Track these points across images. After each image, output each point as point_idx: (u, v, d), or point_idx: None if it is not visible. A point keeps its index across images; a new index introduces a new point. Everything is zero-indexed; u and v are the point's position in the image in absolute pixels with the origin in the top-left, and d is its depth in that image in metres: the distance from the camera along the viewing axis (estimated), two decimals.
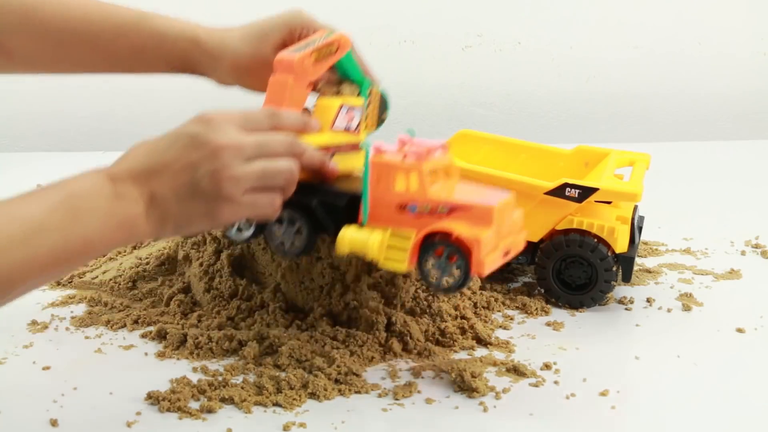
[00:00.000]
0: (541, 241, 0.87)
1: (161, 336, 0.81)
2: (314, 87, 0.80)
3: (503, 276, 0.94)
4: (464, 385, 0.71)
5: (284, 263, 0.83)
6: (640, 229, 0.93)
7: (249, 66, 0.81)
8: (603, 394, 0.71)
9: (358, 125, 0.78)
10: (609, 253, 0.85)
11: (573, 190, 0.84)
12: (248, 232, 0.76)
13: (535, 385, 0.73)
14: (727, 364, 0.76)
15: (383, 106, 0.85)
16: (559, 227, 0.86)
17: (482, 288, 0.89)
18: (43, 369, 0.76)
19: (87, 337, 0.83)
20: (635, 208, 0.90)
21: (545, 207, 0.86)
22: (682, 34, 1.73)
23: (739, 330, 0.82)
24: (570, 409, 0.69)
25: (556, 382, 0.73)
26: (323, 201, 0.73)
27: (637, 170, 0.90)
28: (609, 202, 0.87)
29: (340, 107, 0.77)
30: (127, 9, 0.83)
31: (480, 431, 0.67)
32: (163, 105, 1.72)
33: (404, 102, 1.74)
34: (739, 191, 1.26)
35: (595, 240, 0.85)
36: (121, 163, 0.66)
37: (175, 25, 0.82)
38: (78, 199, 0.63)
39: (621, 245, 0.85)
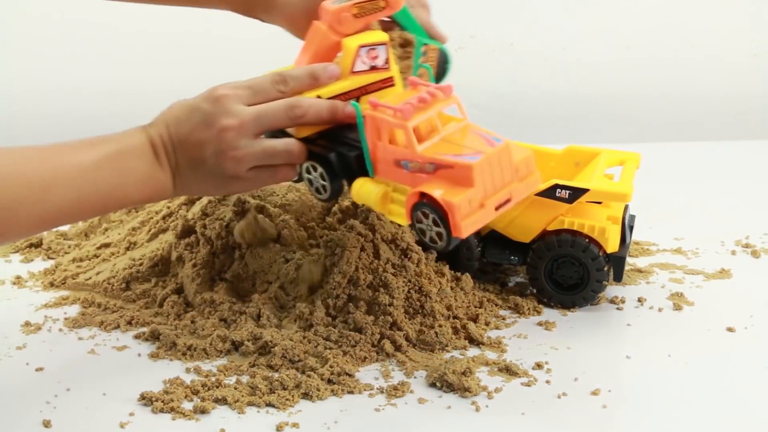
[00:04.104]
0: (533, 241, 0.88)
1: (154, 337, 0.82)
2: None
3: (495, 276, 0.94)
4: (456, 385, 0.72)
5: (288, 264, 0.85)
6: (631, 228, 0.94)
7: (302, 19, 0.83)
8: (594, 393, 0.72)
9: (386, 60, 0.78)
10: (600, 253, 0.85)
11: (563, 191, 0.85)
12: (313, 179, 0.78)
13: (527, 385, 0.73)
14: (718, 363, 0.77)
15: (442, 62, 0.85)
16: (551, 228, 0.86)
17: (475, 288, 0.89)
18: (37, 370, 0.76)
19: (80, 338, 0.83)
20: (626, 207, 0.90)
21: (536, 208, 0.86)
22: (673, 36, 1.74)
23: (730, 329, 0.83)
24: (562, 409, 0.70)
25: (547, 382, 0.74)
26: (339, 152, 0.75)
27: (627, 170, 0.91)
28: (600, 202, 0.88)
29: (358, 49, 0.77)
30: None
31: (472, 431, 0.67)
32: (155, 106, 1.72)
33: None
34: (730, 191, 1.26)
35: (587, 240, 0.85)
36: (157, 126, 0.74)
37: None
38: (125, 157, 0.71)
39: (612, 245, 0.85)
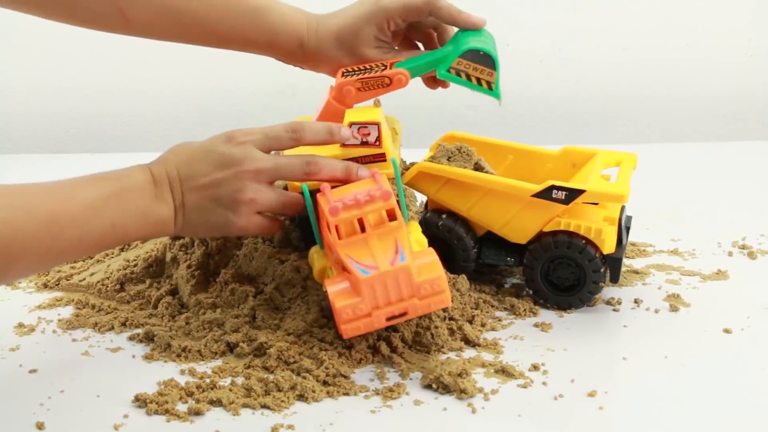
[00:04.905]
0: (530, 242, 0.88)
1: (149, 338, 0.81)
2: None
3: (492, 277, 0.94)
4: (452, 387, 0.71)
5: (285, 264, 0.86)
6: (628, 229, 0.94)
7: (339, 66, 0.88)
8: (591, 394, 0.71)
9: (377, 138, 0.81)
10: (597, 255, 0.85)
11: (560, 192, 0.84)
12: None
13: (524, 386, 0.73)
14: (714, 364, 0.77)
15: (486, 64, 0.85)
16: (547, 229, 0.86)
17: (471, 290, 0.89)
18: (30, 372, 0.76)
19: (74, 340, 0.82)
20: (623, 208, 0.90)
21: (533, 209, 0.86)
22: (670, 37, 1.74)
23: (726, 330, 0.83)
24: (558, 410, 0.70)
25: (544, 383, 0.74)
26: (303, 217, 0.79)
27: (623, 171, 0.90)
28: (596, 203, 0.88)
29: (349, 125, 0.80)
30: None
31: None
32: (151, 107, 1.72)
33: (393, 103, 1.73)
34: (726, 192, 1.26)
35: (583, 241, 0.85)
36: (162, 165, 0.75)
37: (286, 23, 0.88)
38: (127, 195, 0.72)
39: (608, 246, 0.85)
